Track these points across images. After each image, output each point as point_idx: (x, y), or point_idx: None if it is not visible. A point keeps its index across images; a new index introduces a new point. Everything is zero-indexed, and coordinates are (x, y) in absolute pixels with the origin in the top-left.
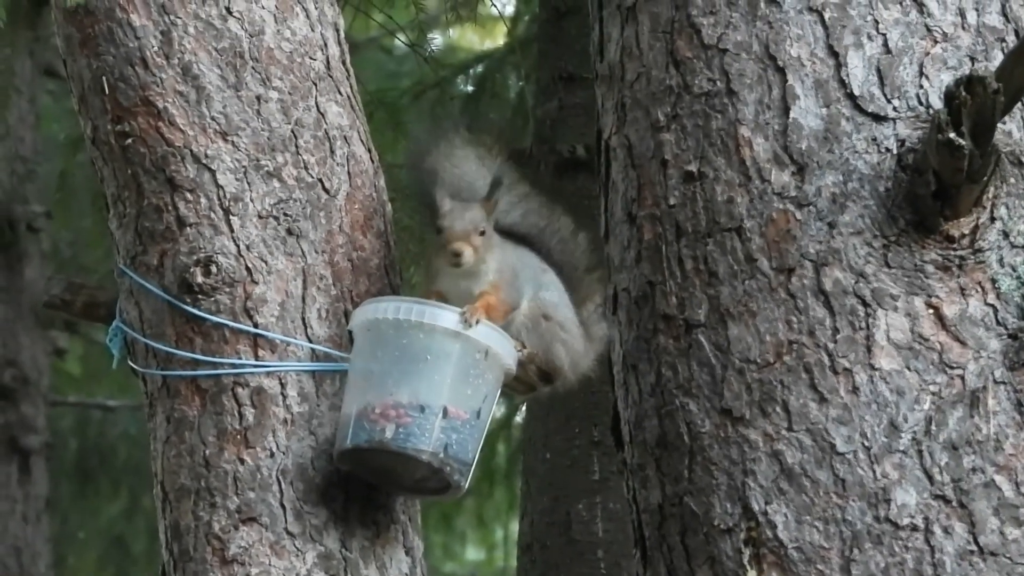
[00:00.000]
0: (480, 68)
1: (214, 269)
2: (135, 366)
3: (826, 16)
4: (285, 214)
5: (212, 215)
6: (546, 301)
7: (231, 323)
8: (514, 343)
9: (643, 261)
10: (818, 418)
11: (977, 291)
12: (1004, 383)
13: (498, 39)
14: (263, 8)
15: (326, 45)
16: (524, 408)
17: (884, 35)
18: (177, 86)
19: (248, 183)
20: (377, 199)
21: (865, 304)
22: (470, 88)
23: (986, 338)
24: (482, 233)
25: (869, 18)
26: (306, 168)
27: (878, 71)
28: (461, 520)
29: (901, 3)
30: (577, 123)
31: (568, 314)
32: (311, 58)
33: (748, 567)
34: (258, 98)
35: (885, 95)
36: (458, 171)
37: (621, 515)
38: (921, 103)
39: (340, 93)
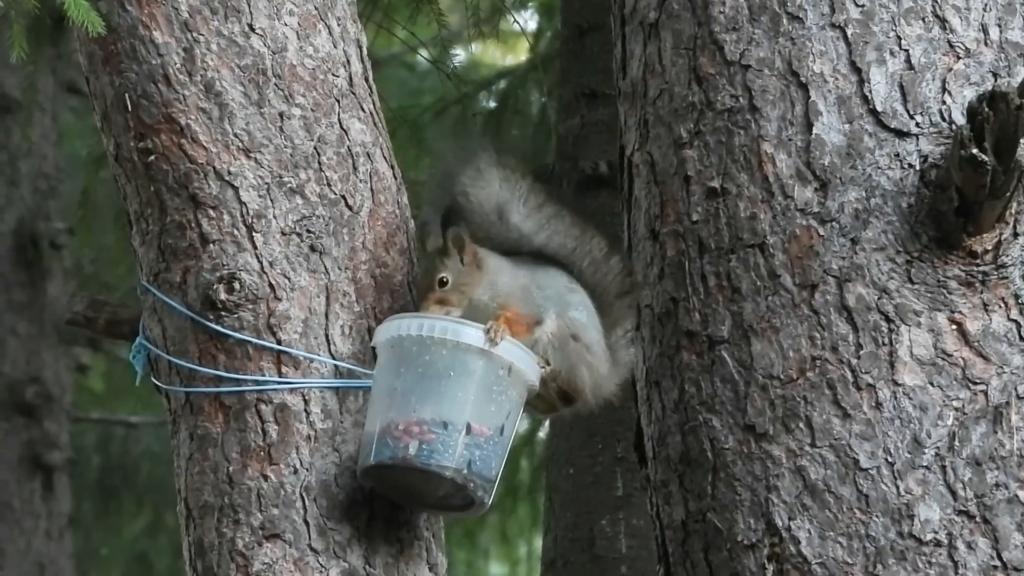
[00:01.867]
0: (502, 84)
1: (237, 286)
2: (158, 383)
3: (849, 32)
4: (308, 231)
5: (235, 232)
6: (575, 321)
7: (254, 340)
8: (537, 359)
9: (666, 278)
10: (841, 434)
11: (1000, 307)
12: None
13: (520, 55)
14: (286, 25)
15: (349, 62)
16: (547, 424)
17: (907, 51)
18: (200, 103)
19: (271, 200)
20: (400, 216)
21: (888, 320)
22: (492, 104)
23: (1009, 354)
24: (443, 283)
25: (892, 34)
26: (329, 185)
27: (901, 87)
28: (485, 536)
29: (923, 19)
30: (599, 140)
31: (596, 336)
32: (334, 75)
33: None
34: (281, 115)
35: (908, 111)
36: (484, 193)
37: (644, 531)
38: (944, 119)
39: (363, 110)
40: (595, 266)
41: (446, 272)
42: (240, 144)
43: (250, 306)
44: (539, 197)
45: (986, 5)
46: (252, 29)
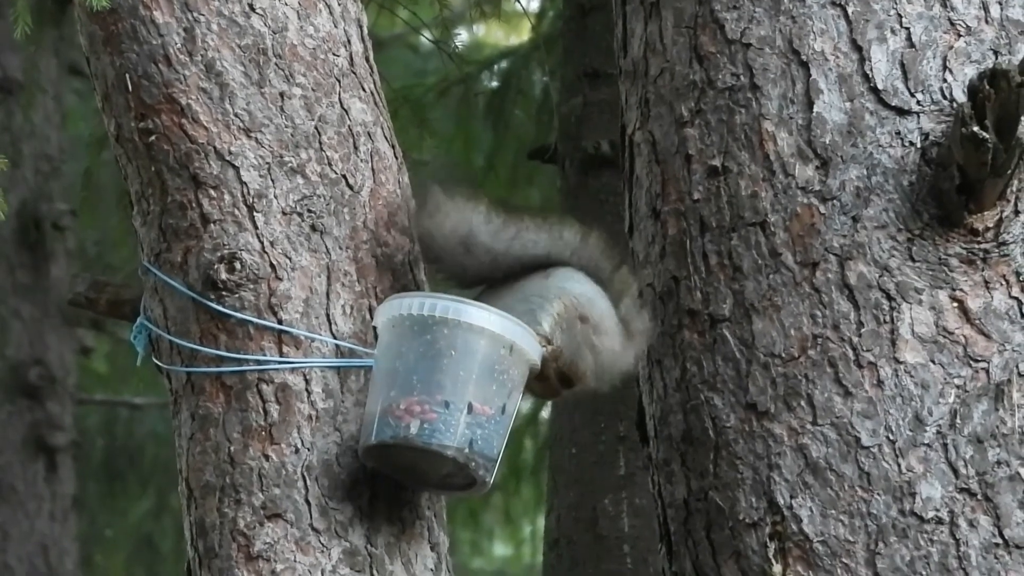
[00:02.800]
0: (505, 65)
1: (238, 266)
2: (160, 363)
3: (849, 10)
4: (309, 210)
5: (236, 212)
6: (581, 296)
7: (255, 320)
8: (539, 339)
9: (667, 256)
10: (843, 412)
11: (1001, 284)
12: None
13: (523, 35)
14: (286, 5)
15: (349, 41)
16: (550, 404)
17: (907, 29)
18: (200, 83)
19: (272, 180)
20: (401, 195)
21: (889, 298)
22: (495, 84)
23: (1011, 331)
24: None
25: (892, 12)
26: (330, 164)
27: (902, 65)
28: (488, 516)
29: None
30: (602, 119)
31: (604, 307)
32: (334, 54)
33: (773, 561)
34: (281, 95)
35: (909, 89)
36: (447, 227)
37: (647, 510)
38: (945, 97)
39: (364, 89)
40: (578, 253)
41: None
42: (241, 124)
43: (251, 286)
44: (500, 215)
45: None
46: (252, 9)
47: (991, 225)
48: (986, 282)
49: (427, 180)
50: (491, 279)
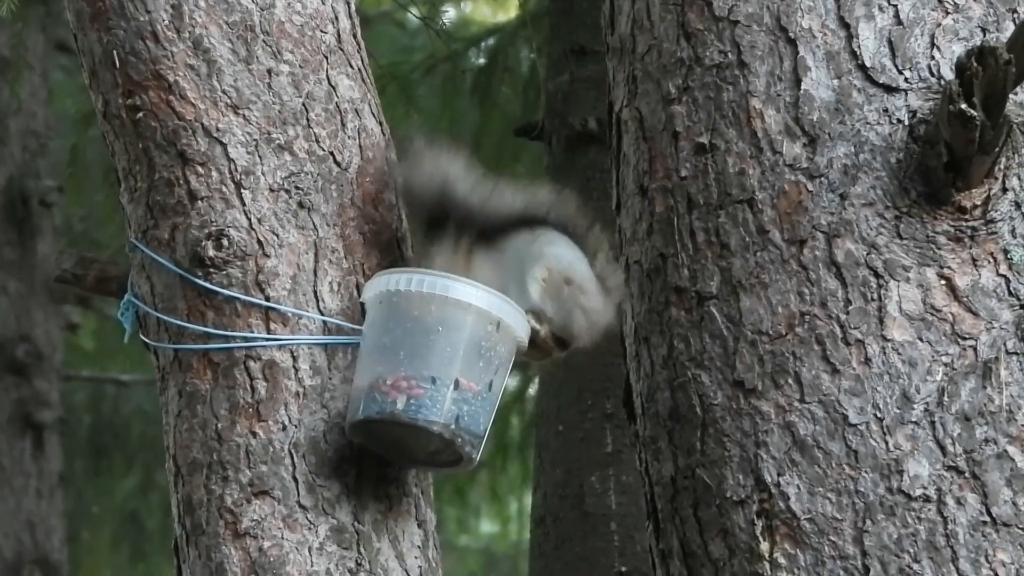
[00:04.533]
0: (492, 41)
1: (225, 243)
2: (147, 340)
3: None
4: (296, 187)
5: (223, 188)
6: (561, 259)
7: (243, 296)
8: (530, 318)
9: (655, 233)
10: (830, 389)
11: (989, 262)
12: (1016, 354)
13: (510, 12)
14: None
15: (337, 18)
16: (537, 381)
17: (895, 6)
18: (188, 60)
19: (259, 156)
20: (388, 172)
21: (877, 275)
22: (482, 61)
23: (998, 309)
24: None
25: None
26: (317, 141)
27: (889, 42)
28: (475, 494)
29: None
30: (589, 96)
31: (583, 269)
32: (322, 31)
33: (761, 538)
34: (269, 71)
35: (896, 66)
36: (425, 177)
37: (634, 488)
38: (932, 74)
39: (351, 66)
40: (554, 210)
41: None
42: (228, 101)
43: (238, 263)
44: (478, 169)
45: None
46: None
47: (979, 203)
48: (974, 260)
49: (408, 133)
50: (466, 229)
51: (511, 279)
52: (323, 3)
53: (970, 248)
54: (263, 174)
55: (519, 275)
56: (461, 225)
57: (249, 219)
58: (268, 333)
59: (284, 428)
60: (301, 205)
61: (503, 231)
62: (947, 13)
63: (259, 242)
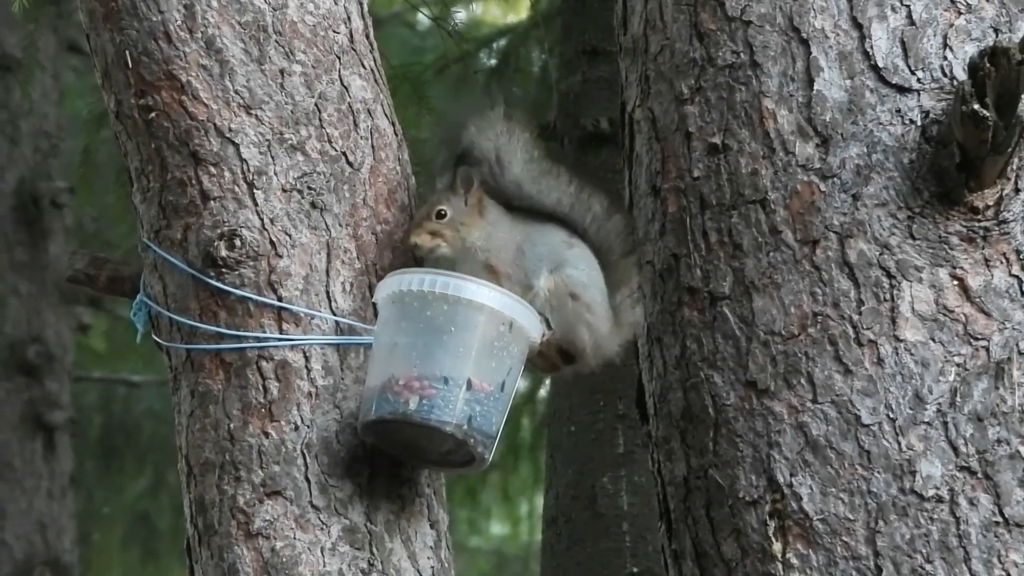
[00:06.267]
0: (503, 42)
1: (238, 243)
2: (159, 340)
3: None
4: (309, 187)
5: (236, 189)
6: (573, 279)
7: (255, 297)
8: (540, 318)
9: (668, 234)
10: (843, 390)
11: (1002, 262)
12: None
13: (521, 13)
14: None
15: (349, 18)
16: (549, 382)
17: (908, 7)
18: (201, 60)
19: (272, 157)
20: (401, 172)
21: (890, 276)
22: (494, 62)
23: (1011, 309)
24: (441, 216)
25: None
26: (330, 141)
27: (902, 43)
28: (486, 495)
29: None
30: (601, 96)
31: (597, 296)
32: (334, 31)
33: (773, 539)
34: (281, 72)
35: (909, 67)
36: (486, 139)
37: (646, 488)
38: (945, 75)
39: (363, 66)
40: (597, 223)
41: (447, 207)
42: (241, 101)
43: (251, 263)
44: (538, 151)
45: None
46: None
47: (991, 203)
48: (986, 260)
49: (489, 97)
50: (512, 203)
51: (519, 256)
52: (336, 3)
53: (983, 248)
54: (276, 174)
55: (532, 261)
56: (505, 195)
57: (262, 219)
58: (280, 333)
59: (296, 428)
60: (314, 205)
61: (535, 215)
62: (959, 13)
63: (272, 242)
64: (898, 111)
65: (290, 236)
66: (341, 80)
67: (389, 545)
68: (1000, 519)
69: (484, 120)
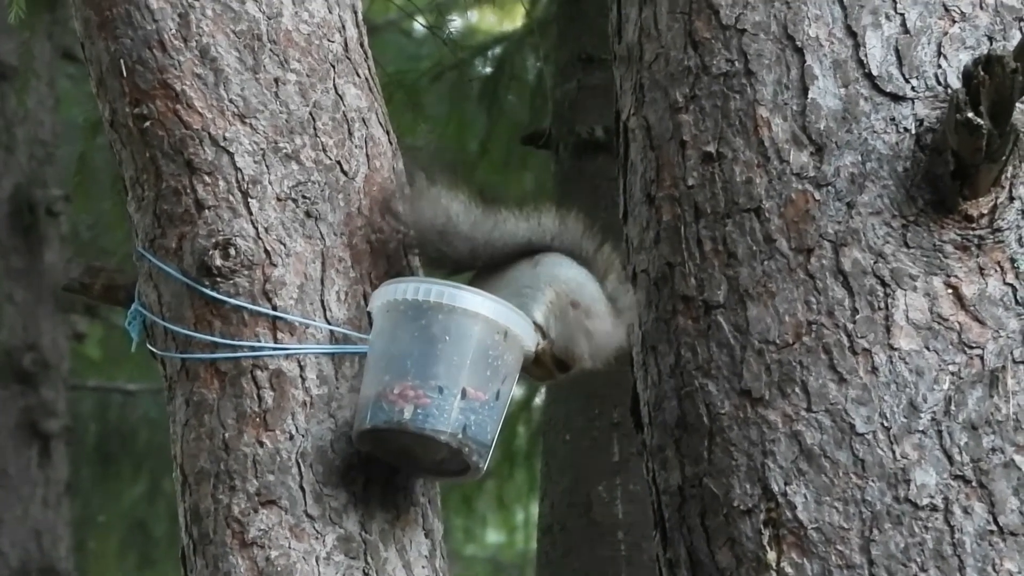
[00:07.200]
0: (499, 50)
1: (232, 252)
2: (154, 349)
3: None
4: (304, 196)
5: (230, 198)
6: (568, 281)
7: (250, 306)
8: (533, 327)
9: (662, 242)
10: (837, 399)
11: (996, 271)
12: (1023, 363)
13: (517, 20)
14: None
15: (344, 27)
16: (544, 390)
17: (902, 15)
18: (195, 69)
19: (266, 166)
20: (396, 181)
21: (884, 284)
22: (489, 70)
23: (1005, 318)
24: None
25: None
26: (324, 150)
27: (896, 51)
28: (482, 503)
29: None
30: (596, 104)
31: (592, 290)
32: (329, 40)
33: (768, 548)
34: (276, 80)
35: (903, 75)
36: (424, 219)
37: (641, 496)
38: (939, 83)
39: (358, 75)
40: (559, 238)
41: None
42: (235, 110)
43: (246, 272)
44: (479, 206)
45: None
46: None
47: (986, 211)
48: (981, 268)
49: (414, 167)
50: (472, 267)
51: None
52: (330, 12)
53: (977, 257)
54: (270, 183)
55: (518, 299)
56: (460, 264)
57: (256, 228)
58: (275, 342)
59: (291, 437)
60: (308, 214)
61: (505, 264)
62: (954, 22)
63: (266, 251)
64: (892, 119)
65: (285, 245)
66: (336, 89)
67: (384, 554)
68: (995, 528)
69: (410, 200)
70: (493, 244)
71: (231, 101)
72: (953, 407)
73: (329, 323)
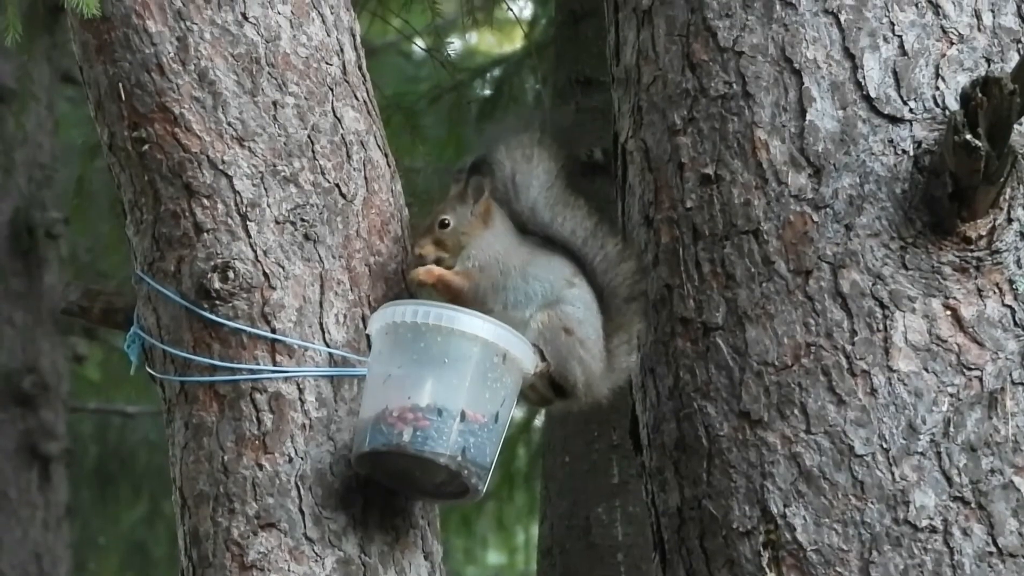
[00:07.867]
0: (497, 72)
1: (231, 275)
2: (153, 372)
3: (842, 18)
4: (302, 219)
5: (229, 221)
6: (569, 315)
7: (249, 328)
8: (534, 349)
9: (660, 264)
10: (836, 420)
11: (995, 292)
12: (1022, 384)
13: (515, 43)
14: (279, 14)
15: (342, 50)
16: (543, 412)
17: (900, 37)
18: (193, 92)
19: (265, 189)
20: (394, 203)
21: (883, 306)
22: (487, 92)
23: (1004, 339)
24: (444, 225)
25: (885, 20)
26: (323, 173)
27: (894, 73)
28: (482, 524)
29: (917, 5)
30: (594, 127)
31: (592, 335)
32: (327, 63)
33: (767, 570)
34: (274, 103)
35: (901, 97)
36: (510, 160)
37: (640, 518)
38: (937, 105)
39: (356, 98)
40: (607, 264)
41: (451, 216)
42: (234, 133)
43: (244, 295)
44: (561, 181)
45: None
46: (245, 18)
47: (984, 233)
48: (979, 290)
49: (532, 118)
50: (523, 227)
51: (505, 276)
52: (328, 35)
53: (975, 278)
54: (269, 206)
55: (519, 293)
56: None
57: (255, 251)
58: (274, 365)
59: (290, 460)
60: (307, 237)
61: (547, 243)
62: (952, 43)
63: (265, 274)
64: (890, 141)
65: (283, 268)
66: (334, 112)
67: None
68: (994, 549)
69: (512, 141)
70: (551, 224)
71: (229, 124)
72: (952, 428)
73: (328, 345)
